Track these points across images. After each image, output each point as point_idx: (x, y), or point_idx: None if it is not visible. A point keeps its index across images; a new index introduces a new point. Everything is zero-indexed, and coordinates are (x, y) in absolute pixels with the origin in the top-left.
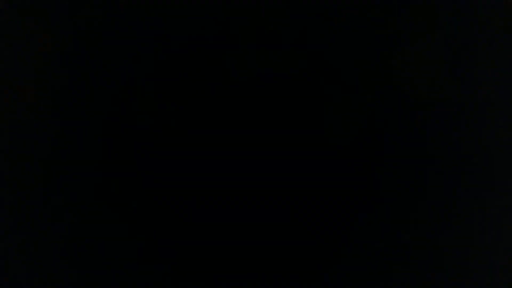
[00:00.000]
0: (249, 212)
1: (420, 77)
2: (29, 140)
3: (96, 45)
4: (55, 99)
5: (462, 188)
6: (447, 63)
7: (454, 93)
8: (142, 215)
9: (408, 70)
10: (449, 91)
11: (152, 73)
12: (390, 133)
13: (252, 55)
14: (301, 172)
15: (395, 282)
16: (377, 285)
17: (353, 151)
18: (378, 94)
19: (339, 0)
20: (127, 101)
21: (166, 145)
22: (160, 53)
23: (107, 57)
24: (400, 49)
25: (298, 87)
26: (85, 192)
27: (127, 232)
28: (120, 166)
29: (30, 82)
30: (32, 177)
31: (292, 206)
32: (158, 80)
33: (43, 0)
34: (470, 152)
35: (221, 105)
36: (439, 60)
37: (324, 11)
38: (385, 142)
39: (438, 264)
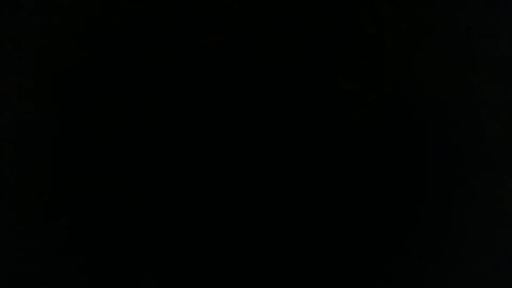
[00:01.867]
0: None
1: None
2: (29, 140)
3: (97, 45)
4: (55, 99)
5: (463, 187)
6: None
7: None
8: (142, 215)
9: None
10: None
11: (153, 73)
12: (390, 133)
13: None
14: (302, 173)
15: (395, 282)
16: (377, 285)
17: (352, 151)
18: (379, 94)
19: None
20: (128, 101)
21: (168, 145)
22: (162, 54)
23: (108, 57)
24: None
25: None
26: (85, 192)
27: (128, 232)
28: (121, 166)
29: (31, 82)
30: (33, 177)
31: (293, 207)
32: (159, 80)
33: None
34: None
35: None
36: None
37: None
38: (386, 142)
39: (438, 264)
